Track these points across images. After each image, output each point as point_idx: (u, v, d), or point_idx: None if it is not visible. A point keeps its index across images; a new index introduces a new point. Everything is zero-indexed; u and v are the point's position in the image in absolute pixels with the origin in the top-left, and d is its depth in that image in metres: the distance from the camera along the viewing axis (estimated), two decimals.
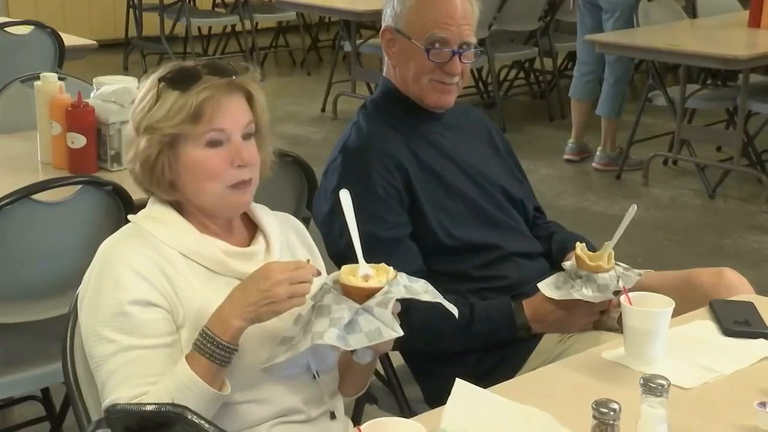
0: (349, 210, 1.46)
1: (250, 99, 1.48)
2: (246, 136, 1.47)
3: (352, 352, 1.42)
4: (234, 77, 1.45)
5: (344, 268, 1.39)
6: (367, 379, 1.62)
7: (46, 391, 2.44)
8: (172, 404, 1.13)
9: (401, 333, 1.36)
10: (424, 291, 1.40)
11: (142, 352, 1.38)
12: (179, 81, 1.44)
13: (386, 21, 1.98)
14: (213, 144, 1.44)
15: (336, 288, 1.38)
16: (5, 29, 3.65)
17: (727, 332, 1.66)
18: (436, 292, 1.42)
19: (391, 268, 1.40)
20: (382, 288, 1.36)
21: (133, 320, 1.38)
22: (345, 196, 1.46)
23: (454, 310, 1.43)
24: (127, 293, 1.39)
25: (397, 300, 1.37)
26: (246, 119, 1.47)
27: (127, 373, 1.37)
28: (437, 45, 1.90)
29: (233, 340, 1.35)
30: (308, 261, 1.42)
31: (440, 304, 1.42)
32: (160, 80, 1.45)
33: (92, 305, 1.41)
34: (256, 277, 1.37)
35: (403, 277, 1.39)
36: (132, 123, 1.48)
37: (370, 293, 1.36)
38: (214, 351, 1.34)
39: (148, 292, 1.40)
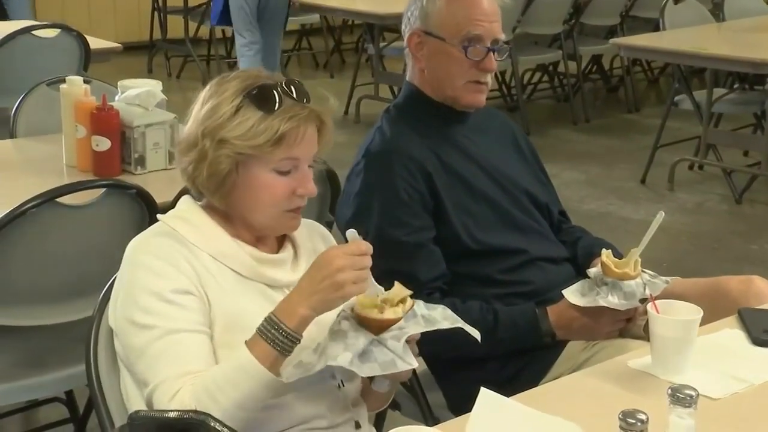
0: None
1: (320, 129, 1.48)
2: (310, 165, 1.48)
3: (371, 380, 1.44)
4: (307, 103, 1.44)
5: (360, 297, 1.37)
6: (387, 401, 1.61)
7: (70, 393, 2.46)
8: (195, 411, 1.13)
9: (415, 365, 1.36)
10: (442, 318, 1.39)
11: (184, 335, 1.37)
12: (263, 101, 1.42)
13: (413, 24, 1.96)
14: (282, 170, 1.44)
15: (353, 316, 1.37)
16: (32, 32, 3.67)
17: (757, 341, 1.64)
18: (456, 316, 1.41)
19: (409, 297, 1.38)
20: (398, 319, 1.35)
21: (175, 306, 1.38)
22: (352, 235, 1.43)
23: (477, 335, 1.43)
24: (168, 281, 1.39)
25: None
26: (315, 149, 1.48)
27: (175, 354, 1.36)
28: (473, 43, 1.89)
29: (298, 329, 1.34)
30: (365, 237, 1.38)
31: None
32: (244, 96, 1.42)
33: (130, 296, 1.41)
34: (320, 263, 1.35)
35: (420, 306, 1.38)
36: (196, 124, 1.45)
37: (386, 325, 1.35)
38: (276, 337, 1.33)
39: (185, 282, 1.40)
